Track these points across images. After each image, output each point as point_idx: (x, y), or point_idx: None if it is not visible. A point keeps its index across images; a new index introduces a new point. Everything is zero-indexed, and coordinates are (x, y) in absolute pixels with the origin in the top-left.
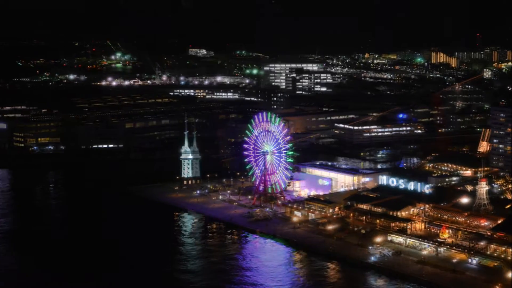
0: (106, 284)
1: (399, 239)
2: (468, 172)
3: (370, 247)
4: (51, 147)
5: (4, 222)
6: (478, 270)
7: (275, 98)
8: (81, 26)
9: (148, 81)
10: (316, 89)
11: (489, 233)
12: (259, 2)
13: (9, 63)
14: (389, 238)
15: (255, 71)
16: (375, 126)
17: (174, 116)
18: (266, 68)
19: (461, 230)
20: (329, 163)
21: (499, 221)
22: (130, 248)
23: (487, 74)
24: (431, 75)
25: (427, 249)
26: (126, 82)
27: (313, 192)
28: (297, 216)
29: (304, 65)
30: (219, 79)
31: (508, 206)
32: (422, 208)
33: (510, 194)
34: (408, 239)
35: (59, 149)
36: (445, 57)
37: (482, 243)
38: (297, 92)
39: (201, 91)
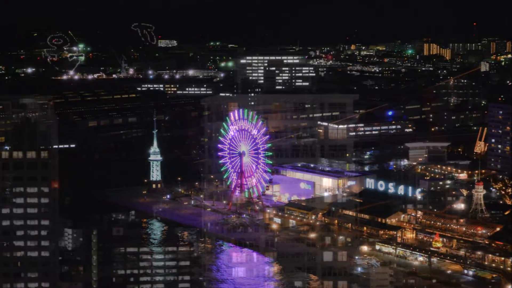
0: None
1: (388, 248)
2: (463, 175)
3: (356, 257)
4: (7, 147)
5: None
6: (474, 282)
7: (252, 94)
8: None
9: (114, 75)
10: (297, 83)
11: (486, 242)
12: None
13: None
14: (377, 247)
15: (230, 64)
16: (362, 125)
17: (142, 114)
18: (243, 61)
19: (456, 239)
20: (311, 165)
21: (497, 229)
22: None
23: (484, 67)
24: (422, 68)
25: (419, 259)
26: (90, 76)
27: (293, 197)
28: (276, 223)
29: (284, 58)
30: (191, 72)
31: (507, 212)
32: (413, 214)
33: (509, 199)
34: (397, 248)
35: (16, 149)
36: (438, 49)
37: (479, 253)
38: (277, 87)
39: (172, 86)
